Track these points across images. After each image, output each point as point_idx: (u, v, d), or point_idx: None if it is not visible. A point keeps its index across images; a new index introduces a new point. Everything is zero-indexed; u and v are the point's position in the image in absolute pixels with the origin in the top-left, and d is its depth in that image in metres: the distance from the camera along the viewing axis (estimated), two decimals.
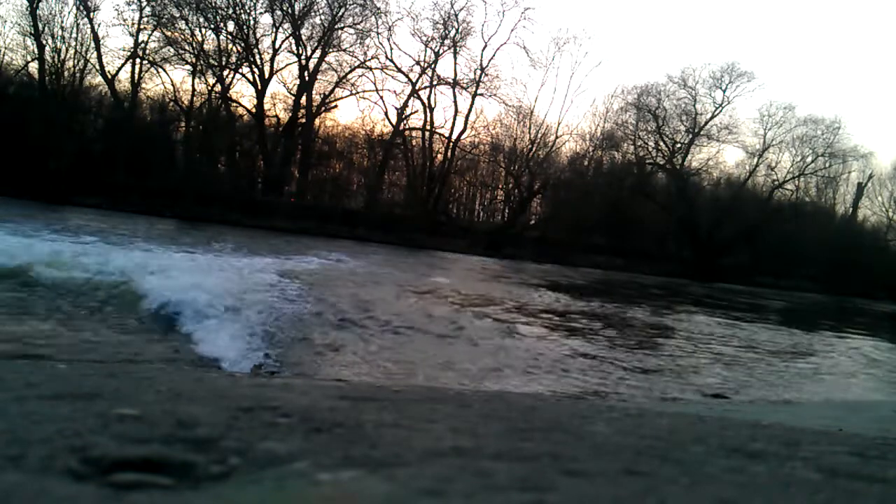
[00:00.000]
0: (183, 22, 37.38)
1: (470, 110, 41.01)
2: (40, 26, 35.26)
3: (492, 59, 40.89)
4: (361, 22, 39.27)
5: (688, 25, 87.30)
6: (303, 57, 39.34)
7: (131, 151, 35.26)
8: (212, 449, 1.09)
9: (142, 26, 37.42)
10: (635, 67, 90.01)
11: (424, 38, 40.19)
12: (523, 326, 10.70)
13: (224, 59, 38.22)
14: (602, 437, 1.48)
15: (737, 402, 6.89)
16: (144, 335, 7.10)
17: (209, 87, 38.41)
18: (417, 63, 40.34)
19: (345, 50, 39.61)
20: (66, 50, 35.71)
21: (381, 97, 41.20)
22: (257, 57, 39.37)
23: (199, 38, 37.72)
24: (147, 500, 0.86)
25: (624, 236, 42.19)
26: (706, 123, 45.19)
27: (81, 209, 27.25)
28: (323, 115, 41.68)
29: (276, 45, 39.15)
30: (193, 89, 38.72)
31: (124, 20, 37.41)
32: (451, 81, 40.64)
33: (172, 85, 39.13)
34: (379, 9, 39.01)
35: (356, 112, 72.56)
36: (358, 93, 40.94)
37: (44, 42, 35.34)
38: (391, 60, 40.15)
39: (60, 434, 1.11)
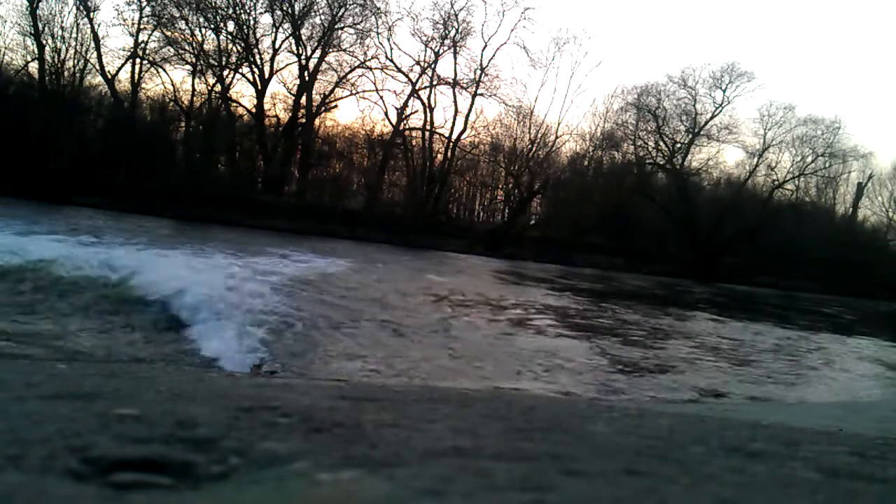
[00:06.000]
0: (183, 22, 37.35)
1: (470, 110, 40.99)
2: (40, 26, 35.24)
3: (492, 59, 40.86)
4: (361, 22, 39.26)
5: (688, 25, 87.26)
6: (303, 57, 39.34)
7: (131, 151, 35.22)
8: (212, 449, 1.09)
9: (142, 26, 37.40)
10: (635, 67, 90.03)
11: (424, 38, 40.17)
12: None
13: (224, 59, 38.19)
14: (602, 437, 1.48)
15: (737, 402, 6.90)
16: (145, 335, 7.10)
17: (209, 87, 38.38)
18: (417, 63, 40.33)
19: (345, 50, 39.60)
20: (66, 50, 35.70)
21: (381, 97, 41.17)
22: (257, 57, 39.37)
23: (199, 38, 37.70)
24: (147, 500, 0.86)
25: (624, 236, 42.14)
26: (706, 123, 45.14)
27: (81, 209, 27.25)
28: (323, 115, 41.67)
29: (276, 45, 39.15)
30: (193, 89, 38.71)
31: (124, 20, 37.38)
32: (451, 81, 40.62)
33: (172, 85, 39.12)
34: (379, 9, 39.00)
35: (356, 112, 72.55)
36: (358, 93, 40.92)
37: (44, 42, 35.31)
38: (391, 60, 40.14)
39: (60, 434, 1.11)
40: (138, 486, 0.90)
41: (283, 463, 1.04)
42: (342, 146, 43.56)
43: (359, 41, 39.42)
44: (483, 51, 40.67)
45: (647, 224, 43.85)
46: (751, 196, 46.73)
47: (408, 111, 40.92)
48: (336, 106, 42.09)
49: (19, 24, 36.03)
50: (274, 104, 40.79)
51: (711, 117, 45.09)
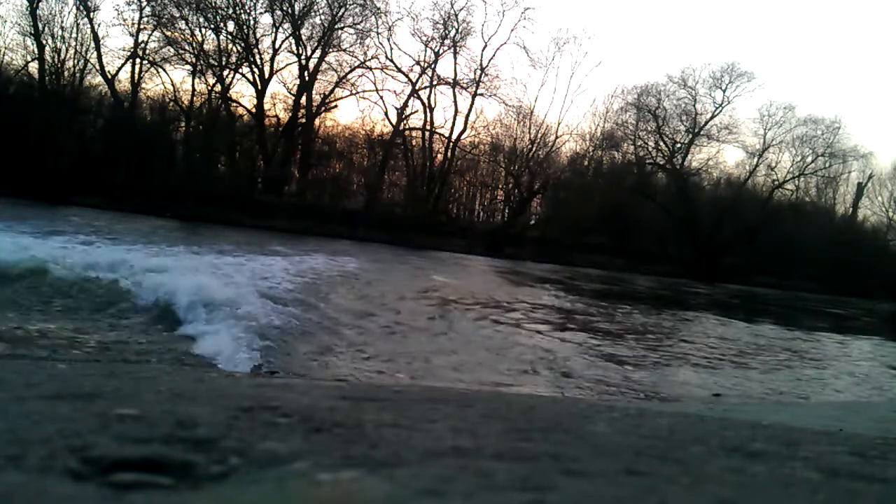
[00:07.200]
0: (183, 22, 37.39)
1: (470, 110, 41.05)
2: (40, 26, 35.25)
3: (492, 59, 40.92)
4: (361, 22, 39.29)
5: (688, 25, 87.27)
6: (303, 57, 39.36)
7: (131, 151, 35.23)
8: (212, 449, 1.09)
9: (142, 26, 37.42)
10: (635, 67, 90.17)
11: (424, 38, 40.21)
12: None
13: (224, 59, 38.21)
14: (602, 437, 1.48)
15: (737, 402, 6.89)
16: (144, 335, 7.10)
17: (209, 87, 38.40)
18: (417, 63, 40.36)
19: (345, 50, 39.63)
20: (66, 50, 35.71)
21: (381, 97, 41.22)
22: (257, 57, 39.39)
23: (199, 38, 37.72)
24: (147, 500, 0.86)
25: (624, 236, 42.15)
26: (706, 123, 45.18)
27: (82, 209, 27.24)
28: (323, 115, 41.70)
29: (276, 45, 39.20)
30: (193, 89, 38.74)
31: (124, 20, 37.41)
32: (451, 81, 40.64)
33: (172, 85, 39.15)
34: (379, 9, 39.04)
35: (356, 112, 72.48)
36: (358, 93, 40.96)
37: (44, 42, 35.32)
38: (391, 60, 40.17)
39: (60, 434, 1.11)
40: (138, 486, 0.90)
41: (283, 463, 1.04)
42: (342, 146, 43.57)
43: (359, 41, 39.51)
44: (483, 51, 40.78)
45: (647, 224, 43.86)
46: (751, 196, 46.77)
47: (408, 111, 41.01)
48: (336, 106, 42.17)
49: (19, 24, 36.11)
50: (274, 104, 40.91)
51: (711, 117, 45.18)
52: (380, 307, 10.92)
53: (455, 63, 41.84)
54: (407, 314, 10.62)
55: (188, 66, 38.19)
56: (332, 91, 40.37)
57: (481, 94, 40.80)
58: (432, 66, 40.29)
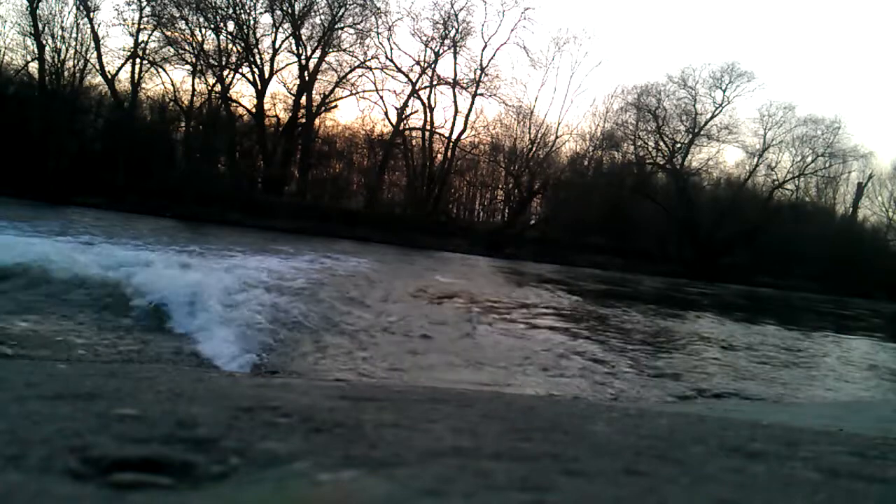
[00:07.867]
0: (183, 22, 37.44)
1: (470, 110, 41.05)
2: (40, 26, 35.28)
3: (492, 59, 40.92)
4: (361, 22, 39.33)
5: (688, 25, 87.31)
6: (303, 57, 39.39)
7: (131, 151, 35.25)
8: (212, 449, 1.09)
9: (142, 26, 37.48)
10: (635, 67, 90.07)
11: (424, 38, 40.23)
12: None
13: (224, 59, 38.24)
14: (602, 437, 1.48)
15: (737, 402, 6.90)
16: (144, 335, 7.10)
17: (209, 87, 38.44)
18: (417, 63, 40.38)
19: (345, 50, 39.66)
20: (66, 50, 35.75)
21: (381, 97, 41.27)
22: (257, 57, 39.43)
23: (199, 38, 37.77)
24: (147, 500, 0.86)
25: (624, 236, 42.16)
26: (706, 123, 45.19)
27: (81, 209, 27.24)
28: (323, 115, 41.75)
29: (276, 45, 39.25)
30: (193, 89, 38.80)
31: (124, 20, 37.47)
32: (451, 81, 40.64)
33: (172, 85, 39.22)
34: (379, 9, 39.06)
35: (356, 112, 72.59)
36: (358, 93, 41.00)
37: (44, 42, 35.35)
38: (391, 60, 40.20)
39: (60, 434, 1.11)
40: (138, 486, 0.90)
41: (283, 463, 1.04)
42: (342, 146, 43.61)
43: (359, 41, 39.54)
44: (483, 51, 40.79)
45: (647, 224, 43.86)
46: (751, 196, 46.78)
47: (408, 111, 41.03)
48: (336, 106, 42.21)
49: (19, 24, 36.16)
50: (274, 104, 40.96)
51: (711, 117, 45.19)
52: (383, 305, 10.91)
53: (455, 63, 41.90)
54: (414, 310, 10.61)
55: (188, 66, 38.28)
56: (332, 91, 40.45)
57: (481, 94, 40.85)
58: (432, 66, 40.35)
